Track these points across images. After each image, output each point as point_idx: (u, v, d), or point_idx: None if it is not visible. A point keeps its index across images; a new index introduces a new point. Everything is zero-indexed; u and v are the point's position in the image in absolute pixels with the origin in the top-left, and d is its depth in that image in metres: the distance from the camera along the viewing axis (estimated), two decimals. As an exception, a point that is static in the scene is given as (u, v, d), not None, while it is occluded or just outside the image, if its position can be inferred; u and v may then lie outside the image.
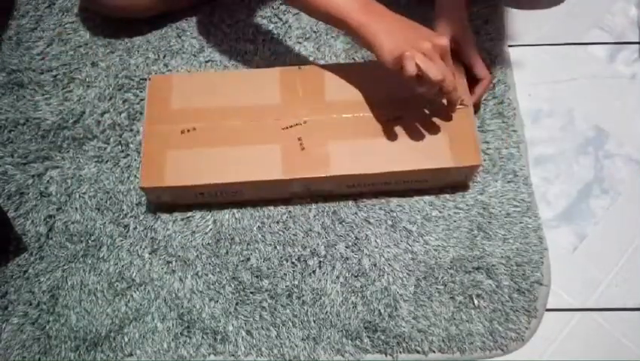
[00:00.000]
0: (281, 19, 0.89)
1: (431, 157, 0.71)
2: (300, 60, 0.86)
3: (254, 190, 0.73)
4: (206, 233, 0.75)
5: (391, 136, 0.72)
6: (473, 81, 0.76)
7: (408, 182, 0.74)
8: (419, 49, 0.64)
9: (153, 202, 0.76)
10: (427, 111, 0.73)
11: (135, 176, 0.79)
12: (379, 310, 0.71)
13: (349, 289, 0.72)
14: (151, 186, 0.70)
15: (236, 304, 0.72)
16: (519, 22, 0.91)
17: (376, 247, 0.74)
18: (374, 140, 0.72)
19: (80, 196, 0.78)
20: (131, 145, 0.80)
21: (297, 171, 0.70)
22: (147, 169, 0.70)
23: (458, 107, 0.70)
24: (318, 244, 0.74)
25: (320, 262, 0.73)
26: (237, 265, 0.73)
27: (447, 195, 0.77)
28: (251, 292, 0.72)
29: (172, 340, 0.70)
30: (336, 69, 0.76)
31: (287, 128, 0.72)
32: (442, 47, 0.65)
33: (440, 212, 0.76)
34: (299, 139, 0.72)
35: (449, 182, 0.76)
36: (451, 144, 0.71)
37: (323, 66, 0.77)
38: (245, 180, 0.70)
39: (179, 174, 0.70)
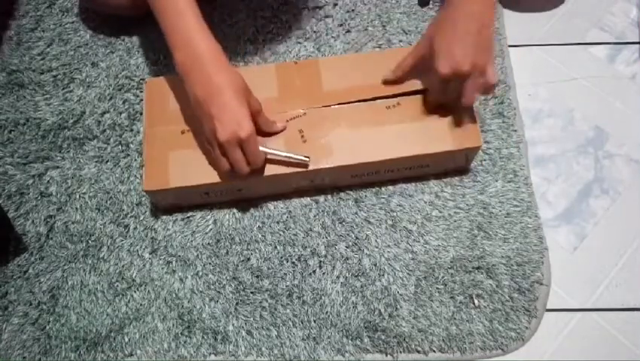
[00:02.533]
0: (281, 19, 0.89)
1: (432, 141, 0.71)
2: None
3: (259, 186, 0.73)
4: (206, 233, 0.75)
5: (391, 123, 0.72)
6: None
7: (410, 168, 0.74)
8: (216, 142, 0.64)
9: (158, 205, 0.76)
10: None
11: (136, 176, 0.79)
12: (380, 310, 0.71)
13: (350, 289, 0.72)
14: (155, 189, 0.70)
15: (237, 304, 0.72)
16: (519, 22, 0.91)
17: (377, 247, 0.74)
18: (375, 128, 0.72)
19: (80, 196, 0.78)
20: (131, 145, 0.80)
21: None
22: (151, 172, 0.70)
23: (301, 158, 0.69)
24: (318, 244, 0.74)
25: (320, 261, 0.73)
26: (237, 265, 0.73)
27: (447, 195, 0.77)
28: (252, 292, 0.72)
29: (173, 340, 0.70)
30: (333, 60, 0.77)
31: (287, 120, 0.72)
32: (228, 141, 0.63)
33: (440, 212, 0.76)
34: (300, 131, 0.72)
35: (451, 166, 0.76)
36: (451, 128, 0.72)
37: (319, 59, 0.77)
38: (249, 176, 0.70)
39: (182, 174, 0.70)
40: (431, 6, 0.90)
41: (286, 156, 0.69)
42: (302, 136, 0.71)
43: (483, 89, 0.67)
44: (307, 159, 0.69)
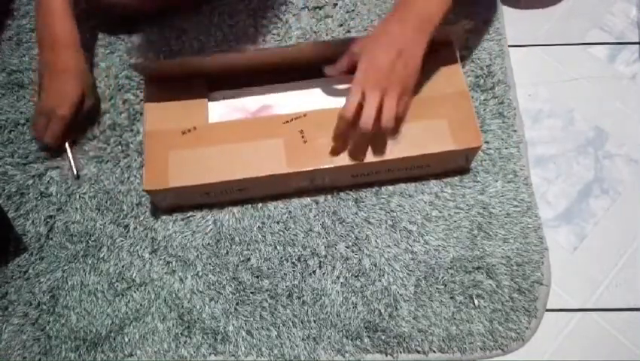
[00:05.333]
0: (281, 19, 0.89)
1: (432, 142, 0.71)
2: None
3: (260, 186, 0.73)
4: (206, 233, 0.75)
5: None
6: None
7: (410, 168, 0.74)
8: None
9: (158, 205, 0.76)
10: (425, 97, 0.74)
11: (136, 176, 0.78)
12: (380, 310, 0.71)
13: (350, 289, 0.72)
14: (155, 189, 0.70)
15: (237, 304, 0.72)
16: (519, 22, 0.91)
17: (377, 247, 0.74)
18: None
19: (80, 196, 0.78)
20: (131, 145, 0.80)
21: (302, 164, 0.70)
22: (151, 172, 0.70)
23: None
24: (318, 244, 0.74)
25: (320, 262, 0.73)
26: (237, 265, 0.73)
27: (447, 195, 0.77)
28: (252, 293, 0.72)
29: (173, 340, 0.70)
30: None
31: (287, 122, 0.72)
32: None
33: (440, 212, 0.76)
34: (300, 132, 0.72)
35: (451, 166, 0.76)
36: (451, 128, 0.72)
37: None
38: (250, 176, 0.70)
39: (183, 174, 0.70)
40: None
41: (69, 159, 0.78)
42: (302, 137, 0.71)
43: (381, 123, 0.65)
44: (75, 174, 0.78)
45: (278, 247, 0.74)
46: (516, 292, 0.72)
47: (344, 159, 0.71)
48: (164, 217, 0.76)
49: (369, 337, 0.70)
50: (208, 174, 0.70)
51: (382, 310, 0.71)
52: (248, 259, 0.74)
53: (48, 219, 0.76)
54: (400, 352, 0.69)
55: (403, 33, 0.65)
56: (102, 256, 0.74)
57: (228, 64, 0.76)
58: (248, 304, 0.72)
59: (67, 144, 0.79)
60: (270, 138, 0.71)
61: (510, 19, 0.91)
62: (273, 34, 0.88)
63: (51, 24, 0.74)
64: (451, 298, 0.72)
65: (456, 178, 0.78)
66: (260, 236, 0.75)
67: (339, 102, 0.75)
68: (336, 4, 0.90)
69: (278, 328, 0.70)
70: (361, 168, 0.72)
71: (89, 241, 0.75)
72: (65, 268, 0.74)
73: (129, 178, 0.78)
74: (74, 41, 0.75)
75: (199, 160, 0.71)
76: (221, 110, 0.76)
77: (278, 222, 0.76)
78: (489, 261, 0.73)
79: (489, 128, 0.81)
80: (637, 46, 0.89)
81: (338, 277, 0.73)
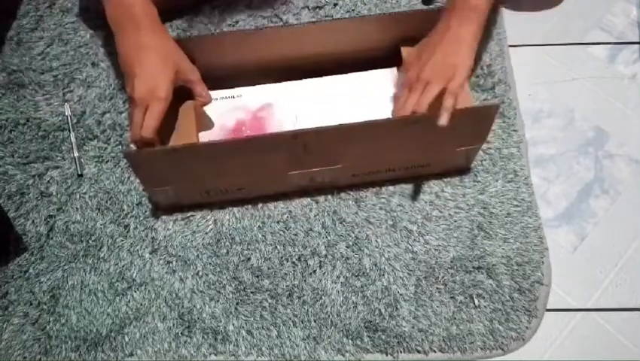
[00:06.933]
0: (281, 19, 0.89)
1: (432, 141, 0.71)
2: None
3: (260, 186, 0.73)
4: (207, 233, 0.75)
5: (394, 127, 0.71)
6: None
7: (411, 168, 0.74)
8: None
9: (158, 204, 0.76)
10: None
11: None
12: (380, 309, 0.71)
13: (350, 289, 0.72)
14: (156, 188, 0.70)
15: (237, 304, 0.72)
16: (520, 22, 0.91)
17: (377, 247, 0.74)
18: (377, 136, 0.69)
19: (80, 196, 0.78)
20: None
21: (302, 167, 0.70)
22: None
23: None
24: (318, 244, 0.74)
25: (320, 261, 0.73)
26: (238, 265, 0.73)
27: (448, 195, 0.77)
28: (252, 292, 0.72)
29: (173, 340, 0.70)
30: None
31: (291, 137, 0.67)
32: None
33: (440, 212, 0.76)
34: (303, 146, 0.68)
35: (452, 166, 0.76)
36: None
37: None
38: (250, 176, 0.70)
39: (182, 173, 0.70)
40: (433, 6, 0.90)
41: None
42: (305, 149, 0.68)
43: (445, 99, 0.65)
44: (79, 171, 0.77)
45: (278, 247, 0.74)
46: (516, 292, 0.72)
47: (344, 160, 0.70)
48: (164, 217, 0.76)
49: (369, 336, 0.70)
50: (207, 173, 0.70)
51: (383, 310, 0.71)
52: (249, 259, 0.74)
53: (48, 219, 0.76)
54: (401, 352, 0.69)
55: (446, 26, 0.65)
56: (102, 255, 0.74)
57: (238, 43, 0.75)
58: (249, 303, 0.72)
59: (73, 140, 0.78)
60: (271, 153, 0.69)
61: (510, 19, 0.91)
62: (273, 34, 0.88)
63: (128, 5, 0.65)
64: (451, 297, 0.72)
65: (456, 178, 0.78)
66: (260, 236, 0.75)
67: (339, 103, 0.75)
68: (336, 4, 0.90)
69: (279, 327, 0.70)
70: (362, 167, 0.72)
71: (90, 241, 0.75)
72: (66, 267, 0.74)
73: (129, 178, 0.78)
74: (155, 18, 0.68)
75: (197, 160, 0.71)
76: (222, 108, 0.76)
77: (278, 222, 0.76)
78: (489, 261, 0.73)
79: (489, 128, 0.81)
80: (637, 46, 0.89)
81: (338, 277, 0.73)
